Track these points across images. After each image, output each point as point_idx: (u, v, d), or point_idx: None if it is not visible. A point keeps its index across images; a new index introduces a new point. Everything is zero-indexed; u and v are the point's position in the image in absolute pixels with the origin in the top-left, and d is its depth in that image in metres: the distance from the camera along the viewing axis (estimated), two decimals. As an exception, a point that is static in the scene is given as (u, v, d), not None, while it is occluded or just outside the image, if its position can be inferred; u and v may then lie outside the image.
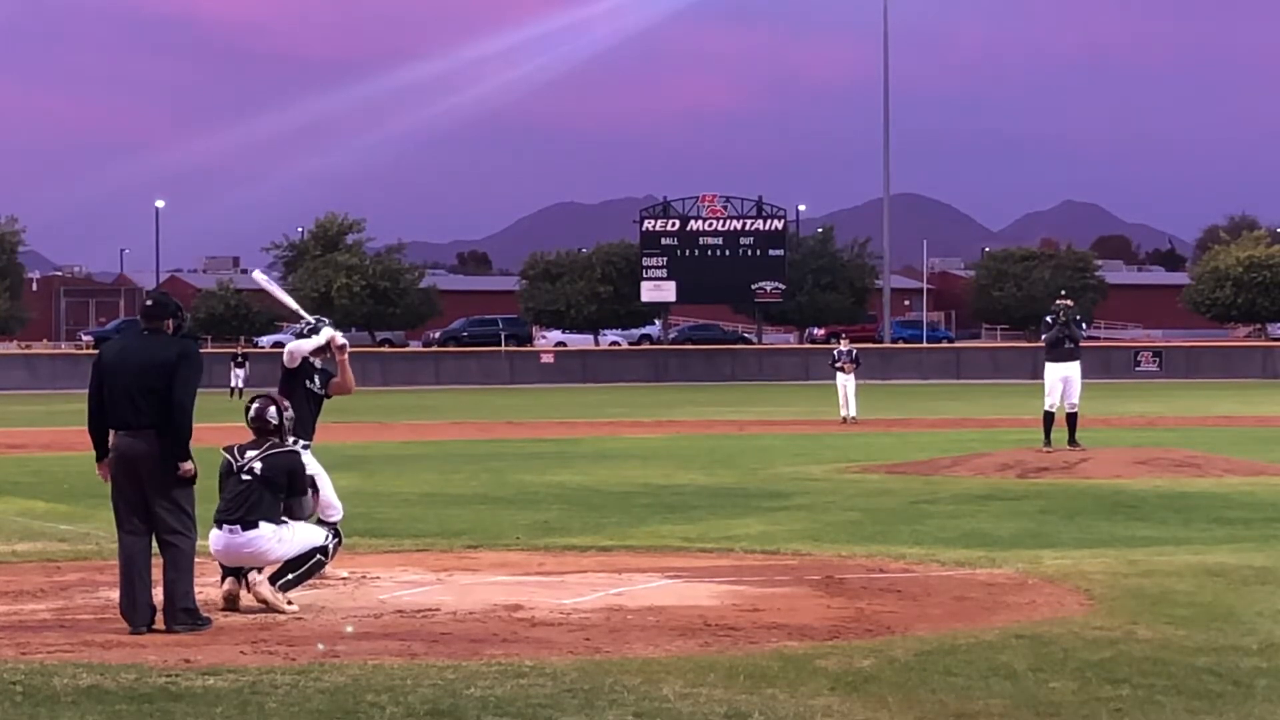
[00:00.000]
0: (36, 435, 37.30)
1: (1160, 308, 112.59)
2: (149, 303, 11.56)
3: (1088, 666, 9.60)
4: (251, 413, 12.28)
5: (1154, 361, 78.86)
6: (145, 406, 11.03)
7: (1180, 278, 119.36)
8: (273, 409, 12.24)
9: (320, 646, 10.31)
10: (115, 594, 11.46)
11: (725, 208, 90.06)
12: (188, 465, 11.09)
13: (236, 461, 11.97)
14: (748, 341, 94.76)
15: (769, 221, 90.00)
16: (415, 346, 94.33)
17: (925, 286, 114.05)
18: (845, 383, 41.46)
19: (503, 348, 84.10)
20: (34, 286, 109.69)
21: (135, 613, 11.06)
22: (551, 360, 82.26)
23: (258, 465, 11.89)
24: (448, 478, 24.53)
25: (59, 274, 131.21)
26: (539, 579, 13.46)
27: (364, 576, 13.40)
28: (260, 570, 11.87)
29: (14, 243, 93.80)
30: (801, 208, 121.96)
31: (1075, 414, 25.85)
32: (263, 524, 11.75)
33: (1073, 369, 26.06)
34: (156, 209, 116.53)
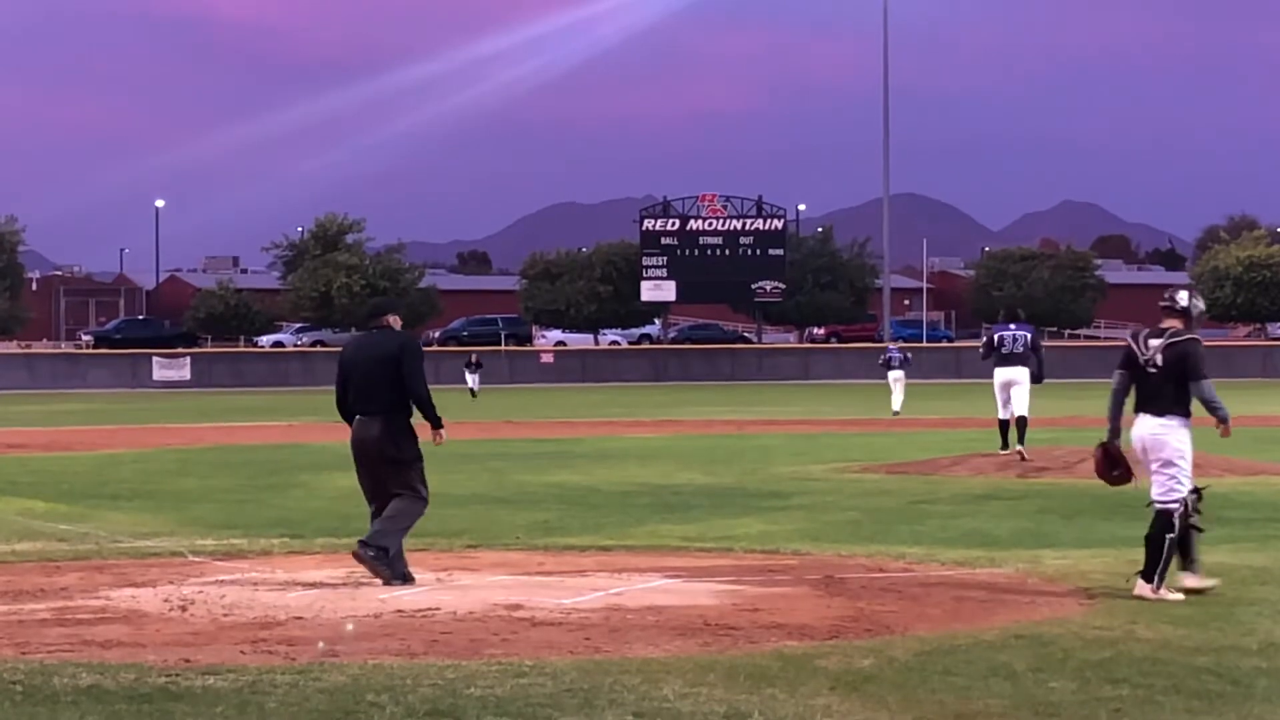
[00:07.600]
0: (36, 435, 37.30)
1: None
2: (372, 305, 14.05)
3: (1088, 666, 9.59)
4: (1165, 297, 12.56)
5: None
6: (375, 394, 13.16)
7: (1180, 278, 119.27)
8: (1183, 293, 12.57)
9: (320, 646, 10.31)
10: (115, 593, 11.85)
11: (725, 207, 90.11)
12: (444, 431, 13.50)
13: (1142, 353, 12.35)
14: (748, 341, 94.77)
15: (769, 221, 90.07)
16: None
17: (925, 286, 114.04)
18: (896, 378, 45.10)
19: (503, 347, 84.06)
20: (34, 286, 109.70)
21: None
22: (551, 360, 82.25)
23: (1159, 358, 12.27)
24: (448, 478, 24.48)
25: (59, 274, 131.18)
26: (539, 579, 13.45)
27: (364, 576, 13.39)
28: None
29: (14, 243, 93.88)
30: (801, 208, 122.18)
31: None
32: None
33: None
34: (156, 209, 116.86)
